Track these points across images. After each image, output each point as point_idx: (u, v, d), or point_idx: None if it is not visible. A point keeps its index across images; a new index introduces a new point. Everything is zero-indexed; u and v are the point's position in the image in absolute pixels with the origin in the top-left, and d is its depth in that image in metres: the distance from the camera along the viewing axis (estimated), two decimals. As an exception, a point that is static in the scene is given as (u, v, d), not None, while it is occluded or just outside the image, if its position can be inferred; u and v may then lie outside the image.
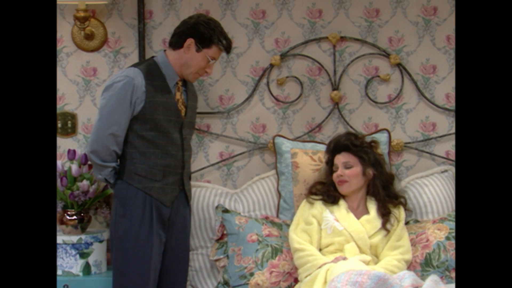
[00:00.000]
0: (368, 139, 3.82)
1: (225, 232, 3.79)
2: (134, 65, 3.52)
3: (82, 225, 3.87)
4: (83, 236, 3.83)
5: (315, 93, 4.11)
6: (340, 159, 3.66)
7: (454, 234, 3.66)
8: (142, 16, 4.00)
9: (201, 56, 3.49)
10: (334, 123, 4.10)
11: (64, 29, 4.06)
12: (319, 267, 3.43)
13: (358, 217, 3.60)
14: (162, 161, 3.47)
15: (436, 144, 4.13)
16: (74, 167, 3.83)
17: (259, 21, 4.10)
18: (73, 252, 3.82)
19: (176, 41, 3.50)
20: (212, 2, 4.07)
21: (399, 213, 3.65)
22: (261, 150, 4.10)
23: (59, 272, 3.81)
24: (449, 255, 3.62)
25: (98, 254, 3.87)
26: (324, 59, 4.09)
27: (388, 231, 3.59)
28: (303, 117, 4.10)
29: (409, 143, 4.10)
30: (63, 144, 4.06)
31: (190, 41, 3.46)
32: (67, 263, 3.82)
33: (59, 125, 4.06)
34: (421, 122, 4.12)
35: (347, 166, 3.64)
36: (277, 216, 3.90)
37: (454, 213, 3.80)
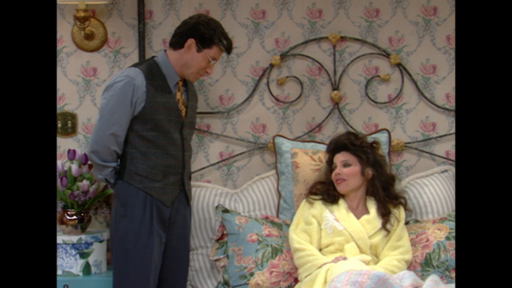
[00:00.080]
0: (369, 139, 3.82)
1: (225, 232, 3.79)
2: (135, 65, 3.52)
3: (82, 225, 3.87)
4: (83, 236, 3.83)
5: (315, 93, 4.11)
6: (339, 158, 3.67)
7: (454, 234, 3.66)
8: (142, 16, 4.00)
9: (201, 56, 3.49)
10: (334, 123, 4.10)
11: (64, 29, 4.06)
12: (319, 267, 3.43)
13: (358, 217, 3.60)
14: (163, 161, 3.47)
15: (436, 144, 4.13)
16: (74, 167, 3.83)
17: (259, 21, 4.10)
18: (73, 252, 3.82)
19: (177, 41, 3.50)
20: (212, 2, 4.07)
21: (399, 213, 3.65)
22: (261, 150, 4.10)
23: (59, 272, 3.81)
24: (449, 255, 3.62)
25: (98, 254, 3.87)
26: (324, 59, 4.09)
27: (388, 231, 3.59)
28: (303, 117, 4.10)
29: (409, 143, 4.10)
30: (63, 144, 4.06)
31: (190, 41, 3.46)
32: (67, 263, 3.82)
33: (59, 125, 4.06)
34: (421, 122, 4.12)
35: (345, 165, 3.64)
36: (277, 216, 3.90)
37: (454, 213, 3.80)
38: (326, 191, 3.67)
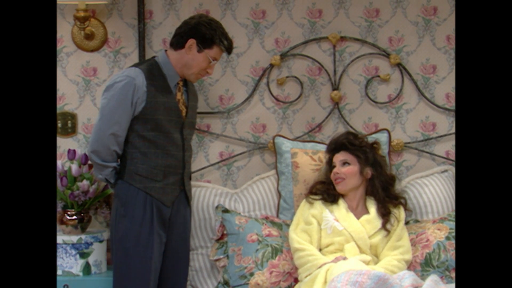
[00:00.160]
0: (369, 139, 3.82)
1: (225, 232, 3.79)
2: (135, 65, 3.52)
3: (82, 225, 3.87)
4: (83, 236, 3.83)
5: (315, 93, 4.11)
6: (338, 157, 3.67)
7: (454, 234, 3.66)
8: (142, 16, 4.00)
9: (202, 57, 3.49)
10: (334, 123, 4.10)
11: (64, 29, 4.06)
12: (319, 267, 3.43)
13: (358, 217, 3.60)
14: (163, 161, 3.47)
15: (436, 144, 4.13)
16: (74, 167, 3.83)
17: (259, 21, 4.10)
18: (73, 252, 3.82)
19: (178, 42, 3.50)
20: (212, 2, 4.07)
21: (399, 213, 3.65)
22: (261, 150, 4.10)
23: (59, 272, 3.81)
24: (449, 255, 3.62)
25: (98, 254, 3.87)
26: (324, 59, 4.09)
27: (388, 231, 3.59)
28: (303, 117, 4.10)
29: (409, 143, 4.10)
30: (63, 144, 4.06)
31: (191, 42, 3.46)
32: (67, 263, 3.82)
33: (59, 125, 4.06)
34: (421, 122, 4.12)
35: (344, 164, 3.64)
36: (277, 216, 3.90)
37: (454, 213, 3.80)
38: (326, 191, 3.67)
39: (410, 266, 3.60)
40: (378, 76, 4.10)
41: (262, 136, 4.11)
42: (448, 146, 4.12)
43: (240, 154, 4.09)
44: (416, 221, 3.83)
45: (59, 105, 4.07)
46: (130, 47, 4.08)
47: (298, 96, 4.08)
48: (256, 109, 4.10)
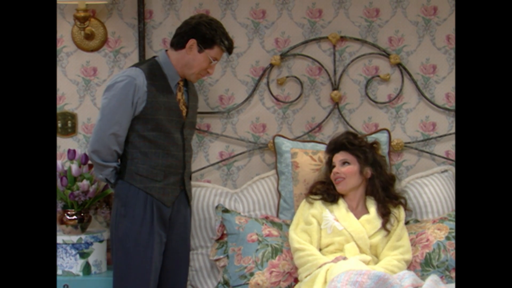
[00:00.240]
0: (369, 139, 3.83)
1: (225, 232, 3.79)
2: (136, 65, 3.52)
3: (82, 225, 3.87)
4: (83, 236, 3.83)
5: (315, 93, 4.11)
6: (338, 157, 3.67)
7: (454, 234, 3.66)
8: (142, 16, 4.00)
9: (203, 57, 3.49)
10: (334, 123, 4.10)
11: (64, 29, 4.06)
12: (319, 267, 3.43)
13: (358, 217, 3.60)
14: (164, 161, 3.47)
15: (436, 144, 4.13)
16: (74, 167, 3.83)
17: (259, 21, 4.10)
18: (73, 252, 3.82)
19: (178, 42, 3.50)
20: (212, 2, 4.07)
21: (399, 213, 3.65)
22: (261, 150, 4.10)
23: (59, 272, 3.81)
24: (449, 255, 3.62)
25: (98, 254, 3.87)
26: (324, 59, 4.09)
27: (388, 231, 3.59)
28: (303, 117, 4.10)
29: (409, 143, 4.10)
30: (63, 144, 4.06)
31: (192, 42, 3.46)
32: (67, 263, 3.82)
33: (59, 125, 4.06)
34: (421, 122, 4.12)
35: (343, 164, 3.65)
36: (277, 216, 3.90)
37: (454, 213, 3.80)
38: (326, 191, 3.67)
39: (410, 266, 3.60)
40: (378, 76, 4.10)
41: (262, 136, 4.11)
42: (448, 146, 4.12)
43: (240, 154, 4.09)
44: (416, 221, 3.83)
45: (59, 105, 4.07)
46: (130, 47, 4.08)
47: (298, 96, 4.08)
48: (256, 109, 4.10)
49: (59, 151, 4.05)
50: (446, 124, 4.12)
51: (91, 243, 3.84)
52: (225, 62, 4.07)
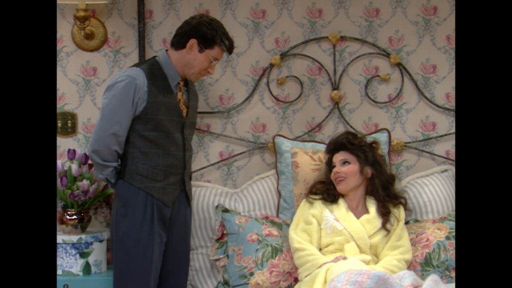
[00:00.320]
0: (369, 139, 3.83)
1: (225, 231, 3.79)
2: (136, 65, 3.52)
3: (82, 224, 3.87)
4: (83, 236, 3.83)
5: (315, 93, 4.11)
6: (338, 157, 3.67)
7: (454, 234, 3.66)
8: (142, 15, 4.00)
9: (203, 57, 3.49)
10: (334, 123, 4.10)
11: (64, 29, 4.06)
12: (319, 267, 3.43)
13: (357, 217, 3.60)
14: (164, 161, 3.47)
15: (436, 144, 4.13)
16: (74, 167, 3.83)
17: (259, 21, 4.10)
18: (73, 251, 3.82)
19: (179, 42, 3.50)
20: (212, 2, 4.07)
21: (399, 213, 3.65)
22: (261, 150, 4.10)
23: (59, 272, 3.81)
24: (449, 254, 3.62)
25: (98, 253, 3.87)
26: (324, 58, 4.09)
27: (388, 231, 3.59)
28: (303, 116, 4.10)
29: (409, 142, 4.10)
30: (63, 143, 4.06)
31: (192, 42, 3.46)
32: (67, 263, 3.82)
33: (59, 124, 4.06)
34: (421, 122, 4.12)
35: (344, 163, 3.65)
36: (277, 215, 3.90)
37: (454, 212, 3.80)
38: (326, 190, 3.67)
39: (410, 266, 3.60)
40: (378, 76, 4.10)
41: (262, 136, 4.11)
42: (448, 146, 4.12)
43: (240, 154, 4.09)
44: (416, 220, 3.83)
45: (59, 105, 4.07)
46: (130, 47, 4.08)
47: (298, 96, 4.08)
48: (256, 109, 4.10)
49: (59, 151, 4.05)
50: (446, 124, 4.12)
51: (91, 243, 3.84)
52: (225, 62, 4.07)
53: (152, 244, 3.44)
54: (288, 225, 3.75)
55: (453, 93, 4.11)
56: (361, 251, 3.53)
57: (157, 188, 3.46)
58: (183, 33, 3.49)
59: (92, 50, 4.07)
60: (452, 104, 4.11)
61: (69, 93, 4.08)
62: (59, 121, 4.05)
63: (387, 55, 4.08)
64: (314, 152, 3.90)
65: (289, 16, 4.09)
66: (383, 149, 3.89)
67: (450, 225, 3.71)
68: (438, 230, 3.69)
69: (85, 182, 3.81)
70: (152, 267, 3.44)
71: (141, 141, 3.46)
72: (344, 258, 3.45)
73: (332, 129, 4.08)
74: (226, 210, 3.82)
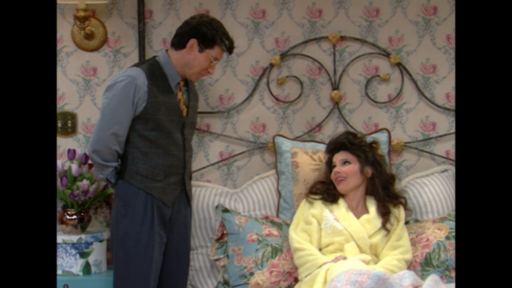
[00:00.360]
0: (369, 139, 3.83)
1: (225, 231, 3.79)
2: (136, 65, 3.52)
3: (82, 224, 3.87)
4: (83, 236, 3.83)
5: (315, 93, 4.11)
6: (338, 157, 3.68)
7: (454, 234, 3.66)
8: (142, 15, 4.00)
9: (203, 57, 3.49)
10: (334, 123, 4.10)
11: (64, 29, 4.06)
12: (319, 267, 3.43)
13: (357, 217, 3.61)
14: (164, 161, 3.47)
15: (436, 144, 4.13)
16: (74, 167, 3.83)
17: (259, 21, 4.10)
18: (73, 251, 3.82)
19: (179, 41, 3.50)
20: (212, 2, 4.07)
21: (399, 213, 3.66)
22: (261, 150, 4.10)
23: (59, 271, 3.81)
24: (449, 254, 3.62)
25: (98, 253, 3.87)
26: (324, 58, 4.09)
27: (388, 230, 3.59)
28: (303, 116, 4.10)
29: (409, 142, 4.10)
30: (63, 143, 4.06)
31: (192, 42, 3.46)
32: (67, 263, 3.82)
33: (59, 124, 4.06)
34: (421, 122, 4.12)
35: (344, 163, 3.65)
36: (277, 215, 3.91)
37: (454, 212, 3.80)
38: (326, 190, 3.67)
39: (410, 265, 3.60)
40: (378, 75, 4.10)
41: (262, 136, 4.11)
42: (448, 146, 4.12)
43: (240, 153, 4.09)
44: (416, 220, 3.83)
45: (59, 104, 4.07)
46: (130, 46, 4.08)
47: (298, 96, 4.08)
48: (256, 108, 4.10)
49: (59, 151, 4.05)
50: (446, 124, 4.12)
51: (91, 243, 3.84)
52: (225, 62, 4.07)
53: (152, 244, 3.44)
54: (288, 225, 3.75)
55: (453, 93, 4.11)
56: (361, 251, 3.53)
57: (157, 188, 3.46)
58: (183, 33, 3.49)
59: (92, 50, 4.07)
60: (452, 104, 4.11)
61: (69, 93, 4.08)
62: (59, 121, 4.05)
63: (387, 55, 4.08)
64: (314, 152, 3.90)
65: (289, 16, 4.09)
66: (383, 149, 3.90)
67: (450, 225, 3.71)
68: (438, 230, 3.69)
69: (85, 182, 3.81)
70: (152, 267, 3.44)
71: (141, 141, 3.46)
72: (344, 258, 3.45)
73: (332, 129, 4.08)
74: (226, 210, 3.82)
